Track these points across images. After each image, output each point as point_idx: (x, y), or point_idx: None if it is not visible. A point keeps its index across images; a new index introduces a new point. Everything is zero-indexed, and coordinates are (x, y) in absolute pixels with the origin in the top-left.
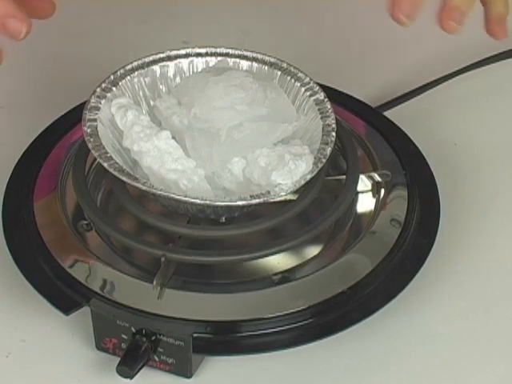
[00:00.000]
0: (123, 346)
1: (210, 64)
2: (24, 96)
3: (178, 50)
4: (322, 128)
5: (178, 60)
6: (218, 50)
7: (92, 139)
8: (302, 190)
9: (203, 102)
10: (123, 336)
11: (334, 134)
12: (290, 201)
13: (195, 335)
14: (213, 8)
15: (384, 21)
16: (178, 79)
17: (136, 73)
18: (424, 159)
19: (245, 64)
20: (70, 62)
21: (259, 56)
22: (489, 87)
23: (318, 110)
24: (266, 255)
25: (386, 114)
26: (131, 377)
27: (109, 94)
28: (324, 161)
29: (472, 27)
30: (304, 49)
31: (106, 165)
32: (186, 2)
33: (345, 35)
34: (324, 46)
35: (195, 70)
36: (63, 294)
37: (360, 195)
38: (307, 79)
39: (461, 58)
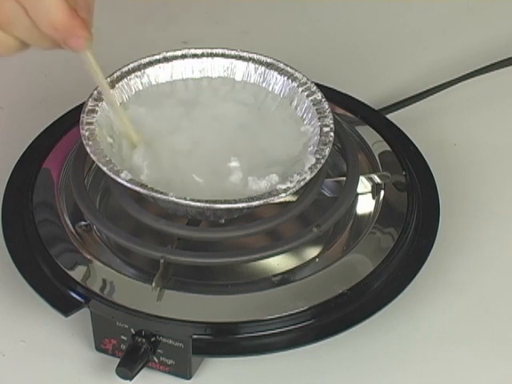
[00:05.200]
0: (123, 347)
1: (206, 65)
2: (23, 97)
3: (174, 51)
4: (320, 128)
5: (175, 61)
6: (215, 51)
7: (90, 143)
8: (302, 192)
9: None
10: (123, 337)
11: (332, 134)
12: (290, 202)
13: (195, 337)
14: (212, 8)
15: (387, 24)
16: (174, 80)
17: (132, 75)
18: (424, 160)
19: (241, 65)
20: (68, 63)
21: (255, 56)
22: (489, 91)
23: (316, 110)
24: (266, 257)
25: (387, 115)
26: (131, 378)
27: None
28: (323, 161)
29: (476, 36)
30: (306, 50)
31: (105, 169)
32: (186, 2)
33: (348, 37)
34: (326, 48)
35: (191, 72)
36: (62, 295)
37: (360, 196)
38: (304, 79)
39: (463, 64)
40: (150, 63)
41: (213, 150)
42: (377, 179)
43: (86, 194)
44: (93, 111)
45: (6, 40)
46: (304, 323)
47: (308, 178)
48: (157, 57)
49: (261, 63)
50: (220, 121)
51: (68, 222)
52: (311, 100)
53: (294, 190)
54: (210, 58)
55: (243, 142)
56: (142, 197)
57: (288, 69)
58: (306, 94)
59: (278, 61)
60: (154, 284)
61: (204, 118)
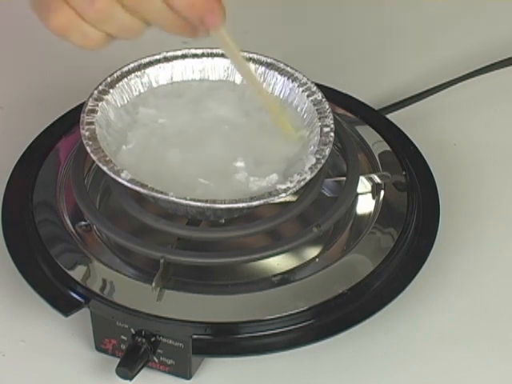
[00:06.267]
0: (123, 347)
1: (206, 65)
2: (24, 97)
3: (174, 51)
4: (321, 128)
5: (175, 61)
6: (215, 51)
7: (91, 142)
8: (302, 192)
9: None
10: (123, 337)
11: (332, 134)
12: (290, 202)
13: (195, 337)
14: None
15: (388, 24)
16: (174, 80)
17: (133, 75)
18: (424, 160)
19: None
20: (68, 63)
21: (255, 56)
22: (489, 91)
23: (316, 110)
24: (266, 257)
25: (387, 115)
26: (131, 378)
27: (106, 97)
28: (323, 161)
29: (476, 36)
30: (306, 50)
31: (105, 168)
32: None
33: (348, 37)
34: (326, 48)
35: (192, 72)
36: (63, 295)
37: (360, 196)
38: (304, 79)
39: (463, 64)
40: (150, 63)
41: (215, 153)
42: (377, 179)
43: (86, 194)
44: (93, 111)
45: (133, 24)
46: (304, 323)
47: (308, 178)
48: (157, 57)
49: (261, 63)
50: (221, 123)
51: (68, 222)
52: (311, 100)
53: (294, 189)
54: (210, 58)
55: (243, 143)
56: (142, 197)
57: (288, 69)
58: (306, 94)
59: (278, 61)
60: (154, 284)
61: (205, 121)
